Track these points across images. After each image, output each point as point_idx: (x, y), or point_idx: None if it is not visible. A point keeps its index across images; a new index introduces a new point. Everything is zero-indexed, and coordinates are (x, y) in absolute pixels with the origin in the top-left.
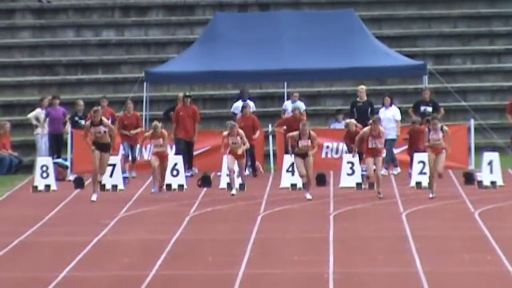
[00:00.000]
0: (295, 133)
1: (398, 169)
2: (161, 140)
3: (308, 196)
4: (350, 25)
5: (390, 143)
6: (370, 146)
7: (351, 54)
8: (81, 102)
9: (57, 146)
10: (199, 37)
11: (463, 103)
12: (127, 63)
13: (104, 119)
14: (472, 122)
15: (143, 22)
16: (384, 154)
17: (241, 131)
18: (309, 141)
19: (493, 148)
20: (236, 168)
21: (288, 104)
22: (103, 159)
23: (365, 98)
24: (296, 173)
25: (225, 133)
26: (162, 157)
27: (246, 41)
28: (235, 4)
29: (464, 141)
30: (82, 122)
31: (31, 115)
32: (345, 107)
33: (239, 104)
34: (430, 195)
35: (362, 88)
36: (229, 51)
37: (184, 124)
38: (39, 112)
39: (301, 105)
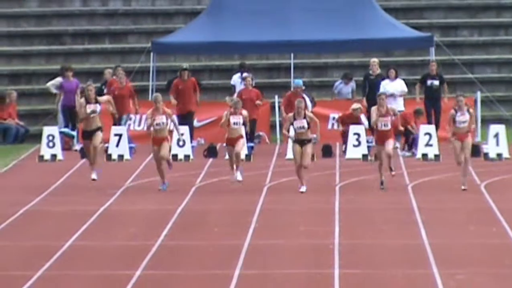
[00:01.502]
0: (290, 114)
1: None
2: (164, 117)
3: (302, 189)
4: None
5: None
6: (379, 128)
7: (358, 26)
8: (109, 71)
9: (71, 118)
10: (206, 7)
11: (470, 76)
12: (134, 33)
13: (99, 98)
14: (479, 95)
15: None
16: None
17: (245, 112)
18: (305, 122)
19: (500, 120)
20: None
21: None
22: (94, 147)
23: (377, 71)
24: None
25: (226, 112)
26: (162, 141)
27: (252, 12)
28: None
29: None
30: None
31: (50, 83)
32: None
33: (237, 76)
34: (462, 187)
35: (375, 61)
36: (235, 22)
37: (183, 98)
38: (59, 81)
39: (297, 81)
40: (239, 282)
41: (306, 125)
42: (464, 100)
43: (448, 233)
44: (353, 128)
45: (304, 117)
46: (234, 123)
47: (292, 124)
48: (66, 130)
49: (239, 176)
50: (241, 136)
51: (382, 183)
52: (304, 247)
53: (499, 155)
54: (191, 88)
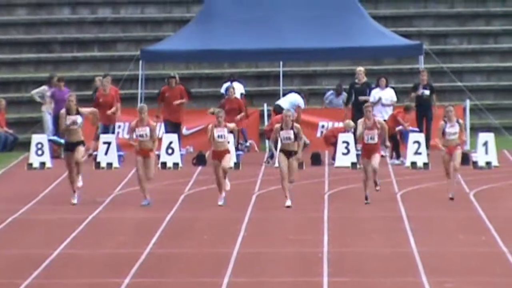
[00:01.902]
0: (278, 125)
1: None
2: (147, 129)
3: (288, 203)
4: (347, 5)
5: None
6: (366, 141)
7: (347, 34)
8: (99, 78)
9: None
10: (196, 15)
11: (459, 84)
12: (123, 41)
13: (81, 109)
14: (468, 103)
15: (140, 0)
16: (381, 152)
17: (230, 124)
18: (292, 133)
19: (489, 128)
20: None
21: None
22: (77, 163)
23: (363, 79)
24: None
25: (210, 126)
26: (146, 154)
27: (242, 20)
28: None
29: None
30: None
31: (34, 92)
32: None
33: (227, 85)
34: (450, 195)
35: (360, 69)
36: (225, 30)
37: (170, 105)
38: (45, 89)
39: (300, 101)
40: None
41: (292, 136)
42: (454, 111)
43: (437, 241)
44: (342, 137)
45: (292, 128)
46: (218, 136)
47: (279, 134)
48: (55, 138)
49: (227, 186)
50: (228, 151)
51: (366, 198)
52: (293, 256)
53: (488, 163)
54: (178, 96)
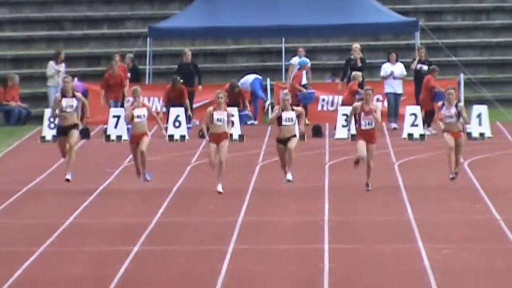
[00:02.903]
0: (277, 107)
1: (396, 125)
2: (144, 109)
3: (289, 177)
4: None
5: (396, 98)
6: (363, 126)
7: (346, 11)
8: (129, 56)
9: None
10: None
11: (454, 58)
12: (131, 19)
13: (77, 93)
14: (462, 77)
15: None
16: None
17: (229, 110)
18: (293, 113)
19: (482, 101)
20: (218, 158)
21: (295, 60)
22: (71, 137)
23: (359, 56)
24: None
25: (210, 109)
26: (142, 137)
27: None
28: None
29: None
30: (129, 74)
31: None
32: (341, 61)
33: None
34: (451, 176)
35: (356, 46)
36: (229, 8)
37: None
38: (51, 65)
39: (306, 60)
40: (233, 257)
41: (294, 117)
42: (454, 94)
43: (433, 209)
44: (341, 110)
45: (292, 110)
46: (217, 120)
47: (280, 116)
48: None
49: (219, 188)
50: (226, 135)
51: (367, 185)
52: (295, 224)
53: (481, 134)
54: (179, 97)
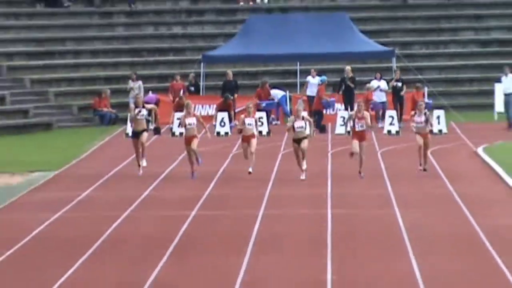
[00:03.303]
0: (292, 117)
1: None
2: (194, 119)
3: (302, 177)
4: (343, 23)
5: (383, 105)
6: (357, 129)
7: (343, 43)
8: (192, 75)
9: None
10: (239, 31)
11: (420, 77)
12: (190, 49)
13: (146, 104)
14: (426, 89)
15: (201, 21)
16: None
17: (256, 116)
18: (303, 123)
19: (440, 107)
20: (249, 151)
21: (309, 78)
22: (142, 138)
23: (350, 75)
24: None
25: (242, 116)
26: (192, 139)
27: (271, 34)
28: (263, 9)
29: (410, 101)
30: (192, 88)
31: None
32: (338, 79)
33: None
34: (420, 167)
35: (348, 68)
36: (259, 41)
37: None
38: (129, 82)
39: (325, 78)
40: (262, 219)
41: (304, 125)
42: (423, 105)
43: (406, 184)
44: (340, 113)
45: (303, 119)
46: (248, 124)
47: (293, 126)
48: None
49: (250, 169)
50: (253, 135)
51: (360, 173)
52: (306, 195)
53: (440, 131)
54: (227, 108)
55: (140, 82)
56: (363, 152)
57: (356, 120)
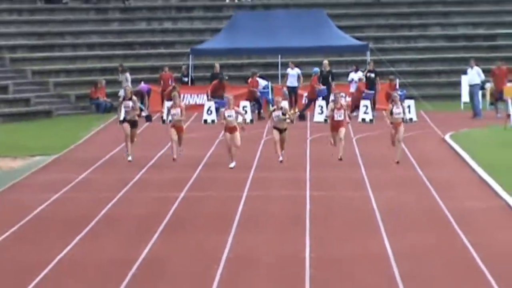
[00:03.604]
0: (273, 107)
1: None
2: (179, 110)
3: (280, 158)
4: (321, 19)
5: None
6: (335, 118)
7: (321, 38)
8: (184, 67)
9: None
10: (225, 26)
11: (392, 69)
12: (180, 42)
13: (133, 97)
14: (398, 81)
15: (190, 17)
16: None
17: (237, 108)
18: (280, 112)
19: (411, 97)
20: (232, 142)
21: (289, 70)
22: (133, 133)
23: (327, 68)
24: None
25: (223, 109)
26: (180, 128)
27: (254, 29)
28: (248, 6)
29: (384, 93)
30: (185, 79)
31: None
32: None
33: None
34: (396, 160)
35: (325, 62)
36: (243, 36)
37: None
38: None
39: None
40: (246, 200)
41: (281, 115)
42: (398, 97)
43: (379, 168)
44: (318, 102)
45: (281, 109)
46: (228, 116)
47: (272, 113)
48: (141, 106)
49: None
50: (236, 128)
51: (340, 159)
52: (286, 178)
53: (410, 119)
54: (222, 89)
55: (127, 74)
56: (342, 135)
57: (335, 110)
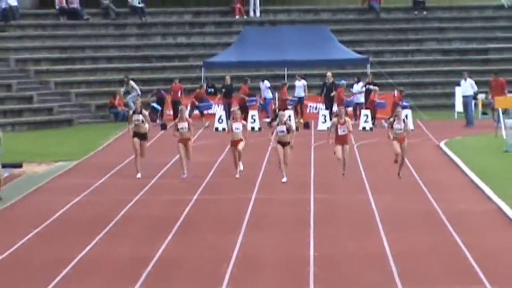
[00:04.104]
0: (275, 123)
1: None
2: (186, 124)
3: (284, 180)
4: (324, 34)
5: (360, 105)
6: (339, 133)
7: (324, 51)
8: (227, 78)
9: (160, 102)
10: (235, 41)
11: (391, 81)
12: (193, 56)
13: (143, 110)
14: (396, 92)
15: (203, 32)
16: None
17: (244, 122)
18: (284, 127)
19: (408, 107)
20: (238, 157)
21: (296, 82)
22: (142, 146)
23: (331, 80)
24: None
25: (230, 121)
26: (187, 141)
27: (262, 43)
28: (256, 22)
29: (391, 102)
30: (212, 90)
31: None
32: (320, 82)
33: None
34: (400, 175)
35: (329, 74)
36: (252, 50)
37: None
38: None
39: (344, 82)
40: (255, 203)
41: (285, 130)
42: (401, 111)
43: (379, 173)
44: (321, 112)
45: (285, 124)
46: (235, 128)
47: (276, 128)
48: (154, 104)
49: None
50: (241, 139)
51: (344, 174)
52: (293, 182)
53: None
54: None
55: (131, 82)
56: (346, 154)
57: (339, 125)
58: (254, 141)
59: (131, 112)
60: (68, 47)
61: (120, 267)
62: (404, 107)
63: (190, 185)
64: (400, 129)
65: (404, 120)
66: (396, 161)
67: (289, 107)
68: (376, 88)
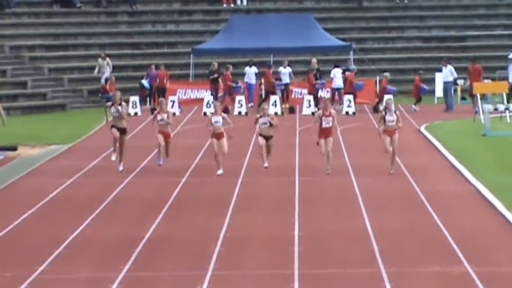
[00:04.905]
0: (258, 114)
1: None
2: (165, 116)
3: (265, 165)
4: (309, 22)
5: (339, 91)
6: (323, 126)
7: (309, 39)
8: (215, 64)
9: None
10: (223, 28)
11: (373, 67)
12: (182, 43)
13: (123, 102)
14: (377, 77)
15: (191, 20)
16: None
17: (224, 114)
18: (268, 119)
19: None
20: (220, 149)
21: (281, 68)
22: (122, 139)
23: (315, 66)
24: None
25: (209, 114)
26: (166, 133)
27: (249, 31)
28: (243, 10)
29: (373, 88)
30: (216, 75)
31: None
32: (305, 69)
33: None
34: (391, 171)
35: (314, 60)
36: (239, 37)
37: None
38: (99, 61)
39: (354, 67)
40: (241, 185)
41: (268, 123)
42: (393, 103)
43: (361, 156)
44: (306, 97)
45: (268, 116)
46: (215, 122)
47: (258, 120)
48: (144, 81)
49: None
50: (223, 134)
51: (328, 171)
52: (278, 166)
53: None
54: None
55: (108, 60)
56: (330, 147)
57: (323, 117)
58: (241, 125)
59: (109, 103)
60: (61, 34)
61: (112, 247)
62: (388, 92)
63: (179, 168)
64: (393, 121)
65: (396, 112)
66: (386, 151)
67: (277, 90)
68: (354, 67)
